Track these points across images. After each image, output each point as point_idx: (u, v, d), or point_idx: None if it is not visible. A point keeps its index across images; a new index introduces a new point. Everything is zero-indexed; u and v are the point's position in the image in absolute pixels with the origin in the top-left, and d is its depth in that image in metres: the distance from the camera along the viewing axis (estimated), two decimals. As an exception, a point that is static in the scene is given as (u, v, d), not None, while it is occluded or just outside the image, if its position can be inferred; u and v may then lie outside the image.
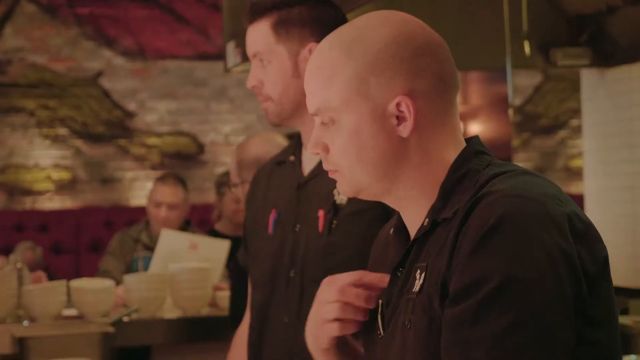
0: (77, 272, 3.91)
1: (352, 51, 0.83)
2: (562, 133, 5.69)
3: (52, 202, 5.64)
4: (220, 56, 3.42)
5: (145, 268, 3.12)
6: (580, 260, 0.71)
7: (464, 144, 0.86)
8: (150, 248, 3.30)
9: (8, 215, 5.31)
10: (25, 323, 2.66)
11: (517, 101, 5.16)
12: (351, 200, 1.48)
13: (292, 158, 1.62)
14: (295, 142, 1.68)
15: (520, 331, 0.67)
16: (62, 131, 5.66)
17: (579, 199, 2.98)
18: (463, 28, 2.93)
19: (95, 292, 2.80)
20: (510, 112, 4.20)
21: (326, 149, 0.86)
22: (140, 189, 5.52)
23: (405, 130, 0.82)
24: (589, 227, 0.76)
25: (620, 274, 2.56)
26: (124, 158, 5.81)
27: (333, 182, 1.47)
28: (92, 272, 3.51)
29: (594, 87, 2.87)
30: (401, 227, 0.90)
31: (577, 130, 4.46)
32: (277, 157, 1.56)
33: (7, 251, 3.98)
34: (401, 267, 0.85)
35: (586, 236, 0.75)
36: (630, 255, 2.65)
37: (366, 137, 0.83)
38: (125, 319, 2.71)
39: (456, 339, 0.71)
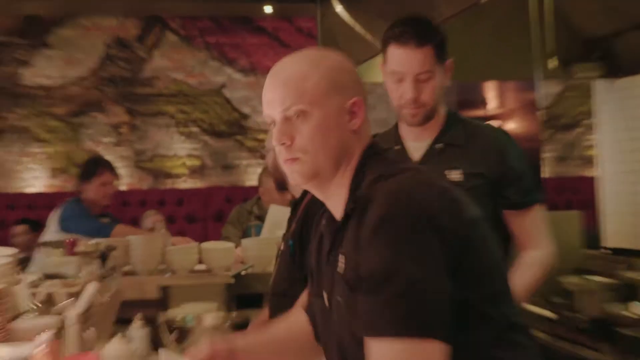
0: (205, 237, 4.00)
1: (319, 64, 0.97)
2: (578, 130, 6.17)
3: (186, 183, 6.34)
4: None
5: (257, 234, 3.30)
6: (449, 225, 0.84)
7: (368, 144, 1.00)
8: (261, 218, 3.49)
9: (154, 193, 6.04)
10: (167, 275, 2.84)
11: (544, 104, 5.18)
12: (467, 179, 1.60)
13: (397, 147, 1.74)
14: (394, 132, 1.78)
15: (407, 296, 0.80)
16: (194, 129, 6.38)
17: (591, 180, 3.26)
18: (499, 48, 3.23)
19: (219, 252, 2.94)
20: (539, 113, 4.59)
21: (292, 139, 0.96)
22: (253, 173, 6.10)
23: (355, 124, 0.97)
24: (453, 201, 0.89)
25: (626, 238, 2.81)
26: (240, 150, 6.49)
27: (444, 166, 1.58)
28: (217, 237, 3.65)
29: (606, 93, 2.97)
30: (331, 216, 1.00)
31: (589, 128, 4.74)
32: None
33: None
34: (332, 251, 0.97)
35: (452, 208, 0.87)
36: (633, 223, 2.79)
37: (331, 127, 0.96)
38: (243, 273, 2.88)
39: (367, 312, 0.83)
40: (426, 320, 0.80)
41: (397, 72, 1.62)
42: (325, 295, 0.98)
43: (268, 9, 5.94)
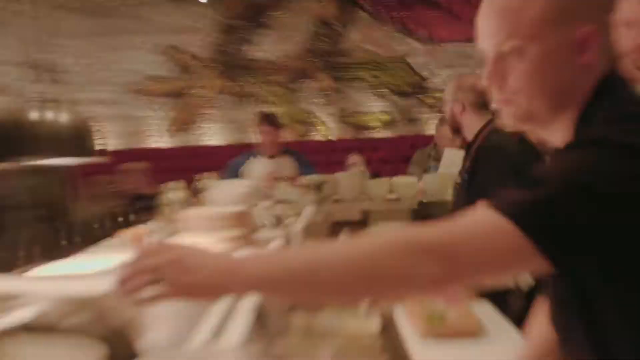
0: (396, 173, 4.12)
1: None
2: None
3: (379, 133, 7.47)
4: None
5: (435, 171, 3.72)
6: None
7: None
8: (437, 159, 3.89)
9: (355, 142, 7.02)
10: (366, 202, 3.25)
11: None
12: None
13: None
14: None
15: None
16: (384, 90, 7.46)
17: None
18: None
19: (406, 184, 3.35)
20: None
21: (504, 79, 0.81)
22: (431, 124, 6.69)
23: (586, 60, 0.77)
24: None
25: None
26: (421, 106, 7.43)
27: None
28: (404, 172, 4.15)
29: None
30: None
31: None
32: None
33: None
34: None
35: None
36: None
37: (553, 66, 0.78)
38: (424, 201, 3.18)
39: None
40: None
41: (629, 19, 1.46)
42: None
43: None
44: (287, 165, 3.86)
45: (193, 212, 1.95)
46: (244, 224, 1.90)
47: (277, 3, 7.44)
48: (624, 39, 1.42)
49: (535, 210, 0.70)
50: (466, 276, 0.75)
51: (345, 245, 0.82)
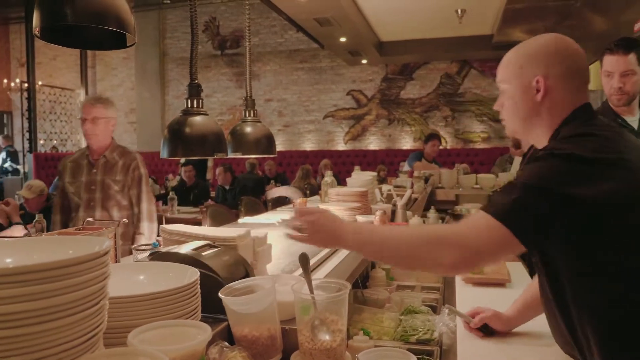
0: (484, 172, 6.94)
1: (518, 50, 1.19)
2: None
3: (480, 145, 11.22)
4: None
5: (508, 171, 5.06)
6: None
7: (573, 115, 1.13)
8: (511, 164, 5.36)
9: (460, 150, 11.23)
10: (460, 190, 4.78)
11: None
12: None
13: (619, 120, 2.10)
14: (610, 108, 2.23)
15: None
16: (485, 119, 11.24)
17: None
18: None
19: (487, 179, 4.88)
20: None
21: (502, 107, 1.22)
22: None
23: (539, 97, 1.12)
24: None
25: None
26: None
27: None
28: (489, 172, 6.60)
29: None
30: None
31: None
32: None
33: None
34: None
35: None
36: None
37: (518, 100, 1.16)
38: (498, 190, 3.87)
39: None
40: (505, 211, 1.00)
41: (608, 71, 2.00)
42: None
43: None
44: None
45: (335, 190, 2.76)
46: (364, 200, 2.53)
47: (421, 65, 11.80)
48: (605, 85, 1.98)
49: (510, 208, 1.00)
50: (474, 259, 1.04)
51: (402, 232, 1.17)
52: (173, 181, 8.39)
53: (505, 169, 5.44)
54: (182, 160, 7.68)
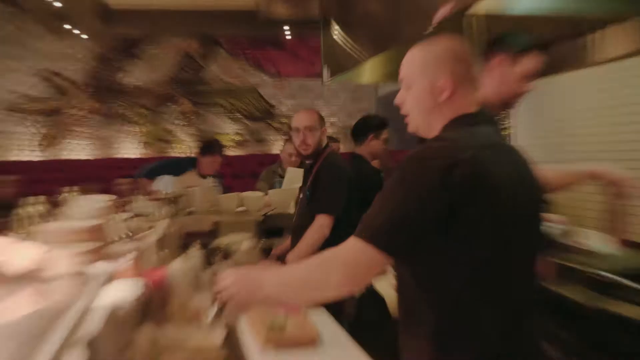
0: (245, 189, 3.72)
1: (422, 49, 1.18)
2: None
3: (232, 151, 8.37)
4: (319, 75, 4.31)
5: (279, 187, 3.69)
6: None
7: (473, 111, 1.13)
8: (282, 176, 3.87)
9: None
10: (217, 215, 3.16)
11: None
12: None
13: None
14: None
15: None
16: (238, 115, 8.45)
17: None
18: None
19: (253, 198, 3.28)
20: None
21: (402, 102, 1.20)
22: (278, 145, 7.71)
23: (443, 96, 1.14)
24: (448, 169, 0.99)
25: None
26: (268, 129, 8.34)
27: None
28: (252, 187, 3.89)
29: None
30: None
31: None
32: None
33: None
34: None
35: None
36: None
37: (421, 98, 1.17)
38: (269, 213, 3.18)
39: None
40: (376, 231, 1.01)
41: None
42: None
43: (287, 32, 7.88)
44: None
45: (49, 226, 1.96)
46: (97, 238, 1.93)
47: (148, 38, 8.42)
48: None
49: (369, 227, 1.03)
50: (357, 278, 1.07)
51: (296, 268, 1.18)
52: None
53: (274, 183, 4.13)
54: None
